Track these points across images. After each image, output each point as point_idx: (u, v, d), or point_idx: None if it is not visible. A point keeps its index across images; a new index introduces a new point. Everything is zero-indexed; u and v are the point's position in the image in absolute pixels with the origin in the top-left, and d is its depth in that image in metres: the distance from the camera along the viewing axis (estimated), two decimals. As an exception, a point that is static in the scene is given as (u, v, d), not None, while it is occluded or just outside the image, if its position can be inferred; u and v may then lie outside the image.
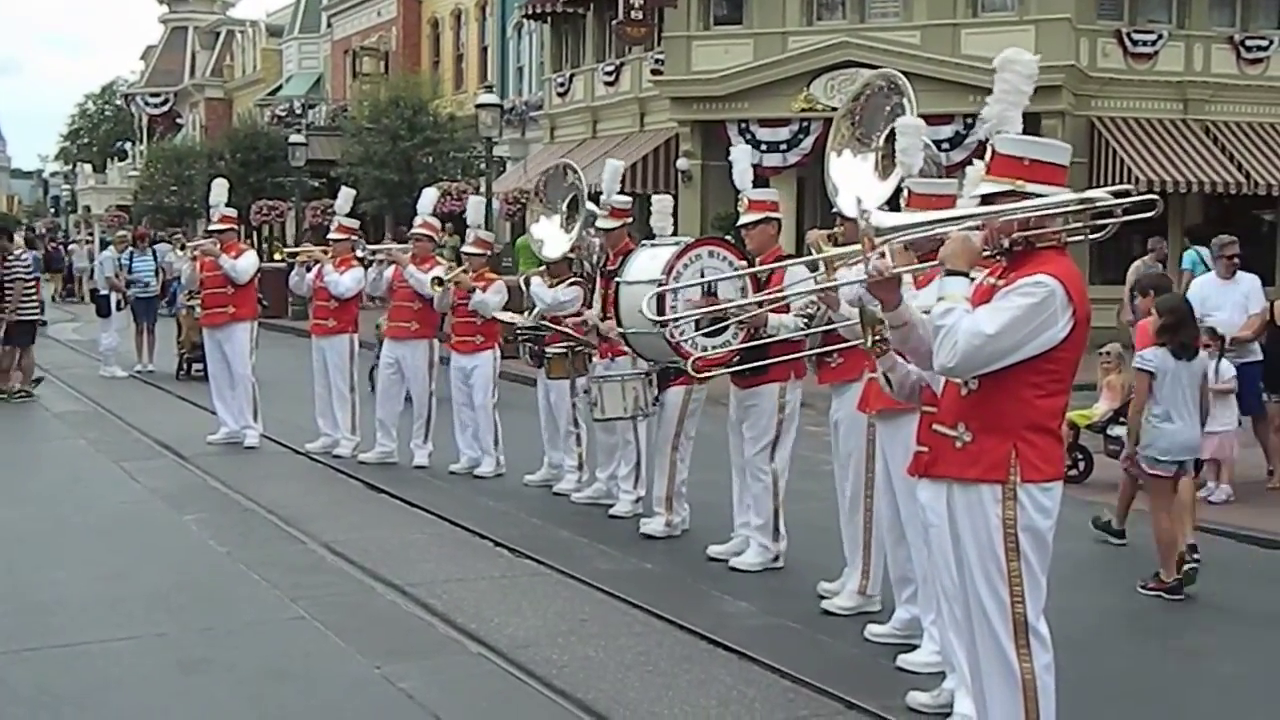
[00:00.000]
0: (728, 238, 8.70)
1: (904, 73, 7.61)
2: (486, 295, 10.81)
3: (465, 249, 11.47)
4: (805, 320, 7.29)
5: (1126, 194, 4.50)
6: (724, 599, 7.37)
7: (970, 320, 4.21)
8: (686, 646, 6.47)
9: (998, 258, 4.42)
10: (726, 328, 7.73)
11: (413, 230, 11.64)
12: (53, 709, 5.59)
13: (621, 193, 9.93)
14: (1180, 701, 6.09)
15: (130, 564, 8.00)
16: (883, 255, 4.35)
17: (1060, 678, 4.48)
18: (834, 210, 7.16)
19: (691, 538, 8.67)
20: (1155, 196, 4.57)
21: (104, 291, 18.68)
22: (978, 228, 4.37)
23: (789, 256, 8.15)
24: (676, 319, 7.59)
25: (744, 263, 7.83)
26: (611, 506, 9.55)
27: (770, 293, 7.57)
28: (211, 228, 12.88)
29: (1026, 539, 4.33)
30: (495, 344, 11.04)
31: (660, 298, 7.56)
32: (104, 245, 24.30)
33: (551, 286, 10.11)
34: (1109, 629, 7.06)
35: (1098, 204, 4.47)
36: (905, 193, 6.03)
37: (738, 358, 7.66)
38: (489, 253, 11.51)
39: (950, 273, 4.30)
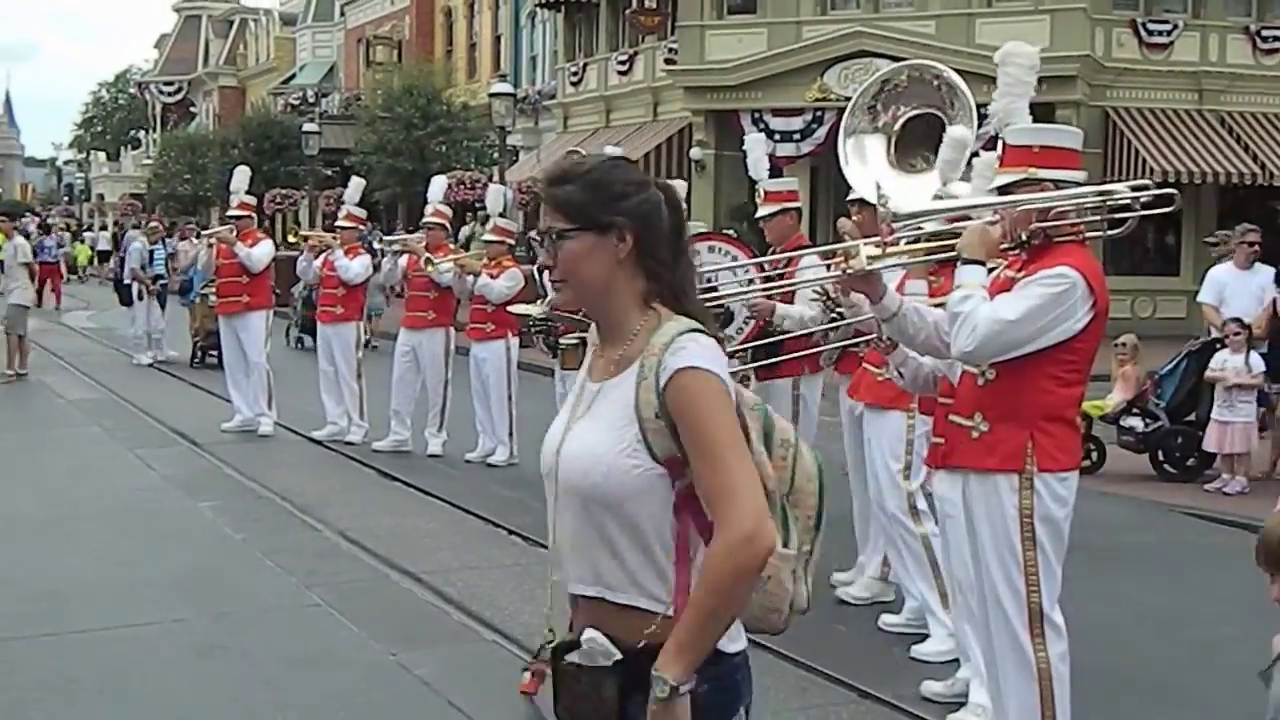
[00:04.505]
0: (729, 231, 8.62)
1: (916, 63, 7.51)
2: (494, 281, 10.78)
3: (485, 237, 11.50)
4: (820, 309, 7.20)
5: (1145, 188, 4.49)
6: (737, 588, 7.35)
7: (990, 307, 4.21)
8: (700, 635, 6.46)
9: (1016, 251, 4.41)
10: (731, 321, 7.69)
11: (425, 219, 11.69)
12: (69, 694, 5.62)
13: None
14: (1195, 692, 6.08)
15: (145, 550, 8.03)
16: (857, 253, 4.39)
17: (1075, 667, 4.48)
18: (848, 198, 7.11)
19: (705, 527, 8.65)
20: (1174, 190, 4.55)
21: (128, 280, 18.72)
22: (995, 219, 4.36)
23: (809, 247, 8.08)
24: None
25: (748, 257, 7.78)
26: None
27: (778, 283, 7.51)
28: (230, 214, 12.93)
29: (1043, 529, 4.33)
30: (507, 333, 10.96)
31: None
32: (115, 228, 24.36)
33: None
34: (1123, 619, 7.05)
35: (1116, 196, 4.45)
36: None
37: (748, 354, 7.60)
38: (509, 240, 11.43)
39: (967, 262, 4.31)
